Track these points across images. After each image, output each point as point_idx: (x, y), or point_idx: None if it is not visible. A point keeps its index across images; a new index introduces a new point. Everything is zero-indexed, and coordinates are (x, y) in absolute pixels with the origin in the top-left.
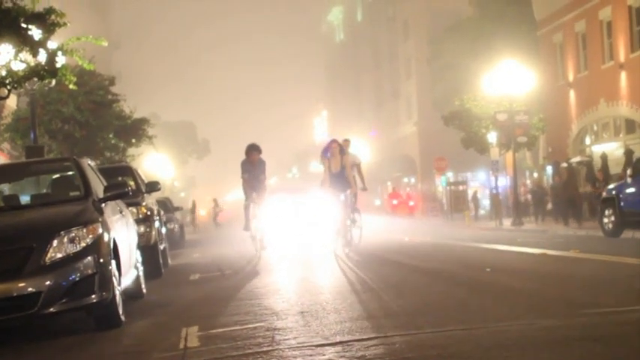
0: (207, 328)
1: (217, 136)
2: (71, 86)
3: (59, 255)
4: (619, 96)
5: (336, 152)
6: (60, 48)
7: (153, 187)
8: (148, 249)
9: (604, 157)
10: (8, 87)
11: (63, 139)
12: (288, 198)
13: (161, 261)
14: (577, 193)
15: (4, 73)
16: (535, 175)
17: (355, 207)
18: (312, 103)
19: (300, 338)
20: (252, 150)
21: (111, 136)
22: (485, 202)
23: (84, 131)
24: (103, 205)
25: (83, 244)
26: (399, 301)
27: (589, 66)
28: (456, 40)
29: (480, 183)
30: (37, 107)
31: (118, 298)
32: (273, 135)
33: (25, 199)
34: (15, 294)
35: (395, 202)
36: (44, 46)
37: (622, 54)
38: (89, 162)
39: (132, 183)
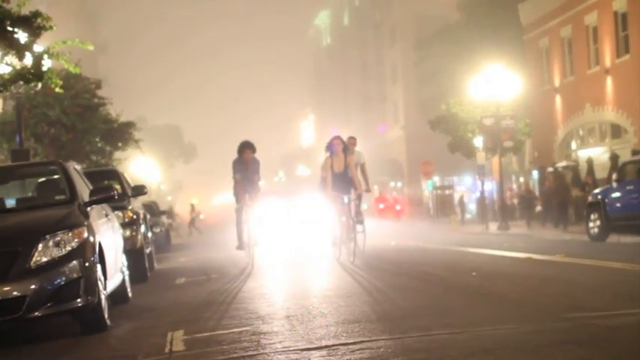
0: (193, 332)
1: (204, 140)
2: (57, 90)
3: (44, 259)
4: (605, 101)
5: (339, 150)
6: (46, 51)
7: (139, 190)
8: (133, 253)
9: (590, 162)
10: None
11: (49, 142)
12: (280, 201)
13: (147, 265)
14: (570, 198)
15: None
16: (521, 179)
17: (359, 210)
18: (299, 107)
19: (285, 342)
20: (246, 148)
21: (97, 139)
22: (472, 206)
23: (70, 135)
24: (89, 208)
25: (69, 248)
26: (384, 305)
27: (575, 71)
28: (443, 45)
29: (467, 187)
30: (23, 111)
31: (104, 302)
32: (260, 139)
33: (10, 202)
34: (0, 298)
35: (381, 206)
36: (30, 50)
37: (608, 59)
38: (75, 166)
39: (118, 187)
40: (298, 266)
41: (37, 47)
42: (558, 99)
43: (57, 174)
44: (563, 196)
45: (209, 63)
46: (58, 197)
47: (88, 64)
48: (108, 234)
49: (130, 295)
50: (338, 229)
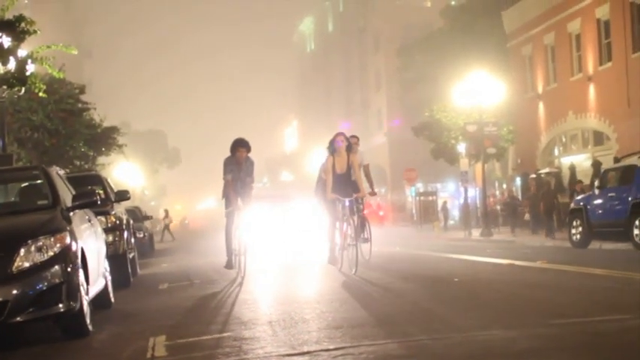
0: (175, 338)
1: (188, 145)
2: (41, 94)
3: (26, 264)
4: (587, 108)
5: (342, 149)
6: (30, 56)
7: (122, 196)
8: (116, 258)
9: (572, 169)
10: None
11: (32, 147)
12: (270, 206)
13: (130, 270)
14: (556, 204)
15: None
16: (504, 186)
17: (362, 215)
18: (284, 113)
19: (267, 348)
20: (239, 146)
21: (81, 144)
22: (455, 213)
23: (53, 140)
24: (71, 214)
25: (51, 253)
26: (366, 311)
27: (558, 78)
28: (426, 52)
29: (450, 193)
30: (6, 115)
31: (86, 308)
32: None
33: None
34: None
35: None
36: (14, 54)
37: (590, 66)
38: (58, 170)
39: (101, 192)
40: (283, 272)
41: (21, 52)
42: (541, 106)
43: (40, 179)
44: (551, 203)
45: (194, 69)
46: (40, 202)
47: (72, 69)
48: (90, 239)
49: (112, 300)
50: (338, 237)
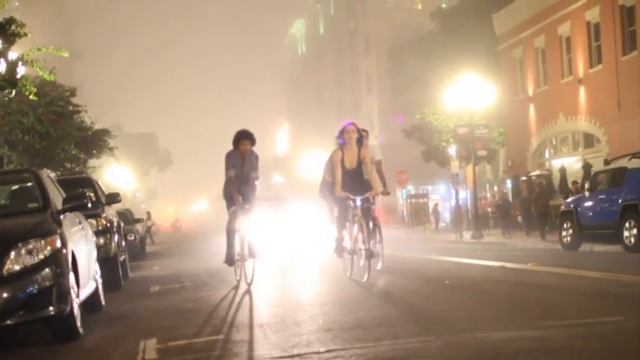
0: (166, 341)
1: (180, 148)
2: (32, 97)
3: (17, 267)
4: (578, 111)
5: (352, 141)
6: (20, 58)
7: (113, 198)
8: (107, 261)
9: (563, 171)
10: None
11: (23, 150)
12: (266, 209)
13: (121, 273)
14: (549, 206)
15: None
16: (495, 188)
17: (374, 216)
18: (275, 115)
19: (258, 351)
20: (243, 138)
21: (71, 147)
22: (446, 215)
23: (44, 142)
24: (62, 216)
25: (41, 256)
26: (357, 314)
27: (548, 81)
28: (417, 55)
29: (441, 196)
30: None
31: (76, 311)
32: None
33: None
34: None
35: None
36: (4, 57)
37: (581, 69)
38: (49, 173)
39: (92, 194)
40: (277, 275)
41: (12, 54)
42: (532, 108)
43: (30, 182)
44: (545, 205)
45: (186, 72)
46: (31, 205)
47: (63, 72)
48: (81, 242)
49: (103, 303)
50: (348, 240)
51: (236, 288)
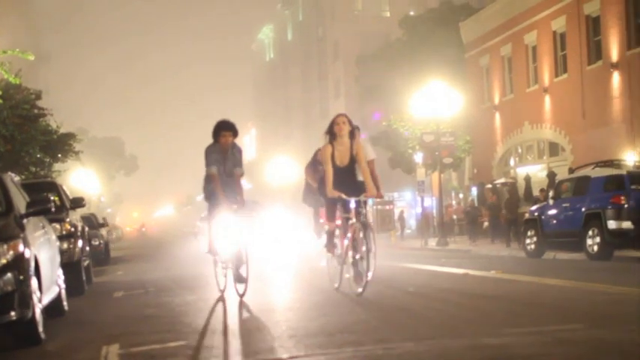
0: (128, 346)
1: (146, 153)
2: None
3: None
4: (543, 119)
5: (344, 133)
6: None
7: (77, 203)
8: (70, 266)
9: (528, 179)
10: None
11: None
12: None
13: (84, 278)
14: (519, 213)
15: None
16: (461, 195)
17: (367, 221)
18: (242, 121)
19: (221, 357)
20: (224, 129)
21: (36, 150)
22: (412, 222)
23: (8, 146)
24: (25, 221)
25: (3, 261)
26: (320, 320)
27: (514, 89)
28: (385, 61)
29: (407, 203)
30: None
31: (38, 316)
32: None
33: None
34: None
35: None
36: None
37: (546, 78)
38: (12, 177)
39: (56, 199)
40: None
41: None
42: (498, 116)
43: None
44: (513, 212)
45: (156, 81)
46: None
47: (28, 75)
48: (44, 246)
49: (66, 308)
50: (339, 247)
51: (189, 289)
